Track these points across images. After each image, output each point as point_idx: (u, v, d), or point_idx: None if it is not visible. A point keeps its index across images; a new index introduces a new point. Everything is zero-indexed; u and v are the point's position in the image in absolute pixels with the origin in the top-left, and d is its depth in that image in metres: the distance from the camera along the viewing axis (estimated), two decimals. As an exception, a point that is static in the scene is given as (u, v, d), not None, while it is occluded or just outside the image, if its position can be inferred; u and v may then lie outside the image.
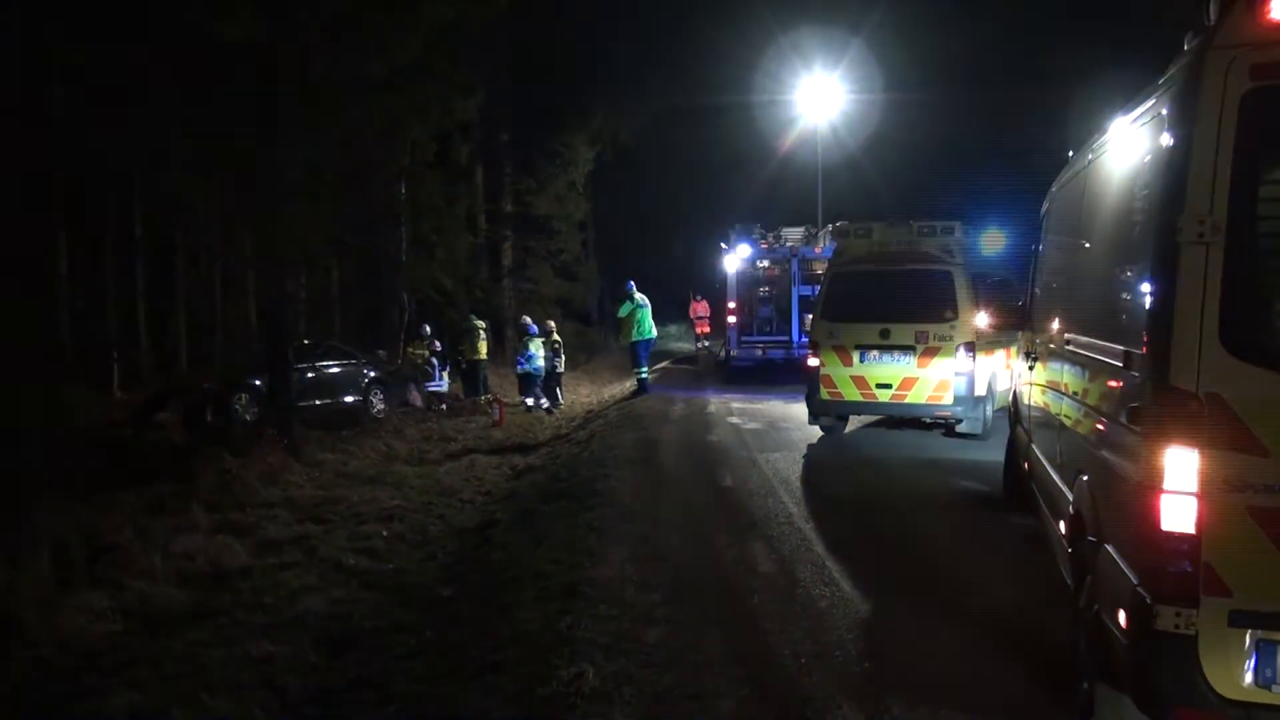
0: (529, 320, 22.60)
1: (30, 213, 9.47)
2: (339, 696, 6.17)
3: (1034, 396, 7.79)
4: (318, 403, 18.29)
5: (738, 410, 17.76)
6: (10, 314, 8.96)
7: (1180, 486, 3.80)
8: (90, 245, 22.16)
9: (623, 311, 21.01)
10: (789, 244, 24.12)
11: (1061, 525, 5.90)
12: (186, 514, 10.92)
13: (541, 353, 21.34)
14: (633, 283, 20.87)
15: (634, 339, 20.77)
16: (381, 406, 20.22)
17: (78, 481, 11.42)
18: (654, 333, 21.38)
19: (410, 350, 23.81)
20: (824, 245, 22.86)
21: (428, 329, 23.53)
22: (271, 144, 14.52)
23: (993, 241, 15.57)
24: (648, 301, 20.76)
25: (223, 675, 6.61)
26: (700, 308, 32.69)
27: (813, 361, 13.67)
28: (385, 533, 10.56)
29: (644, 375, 20.89)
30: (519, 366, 21.82)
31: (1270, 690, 3.75)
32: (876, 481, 11.26)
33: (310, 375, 18.51)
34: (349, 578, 9.05)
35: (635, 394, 20.52)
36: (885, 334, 13.15)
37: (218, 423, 16.56)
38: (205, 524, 10.65)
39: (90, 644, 7.46)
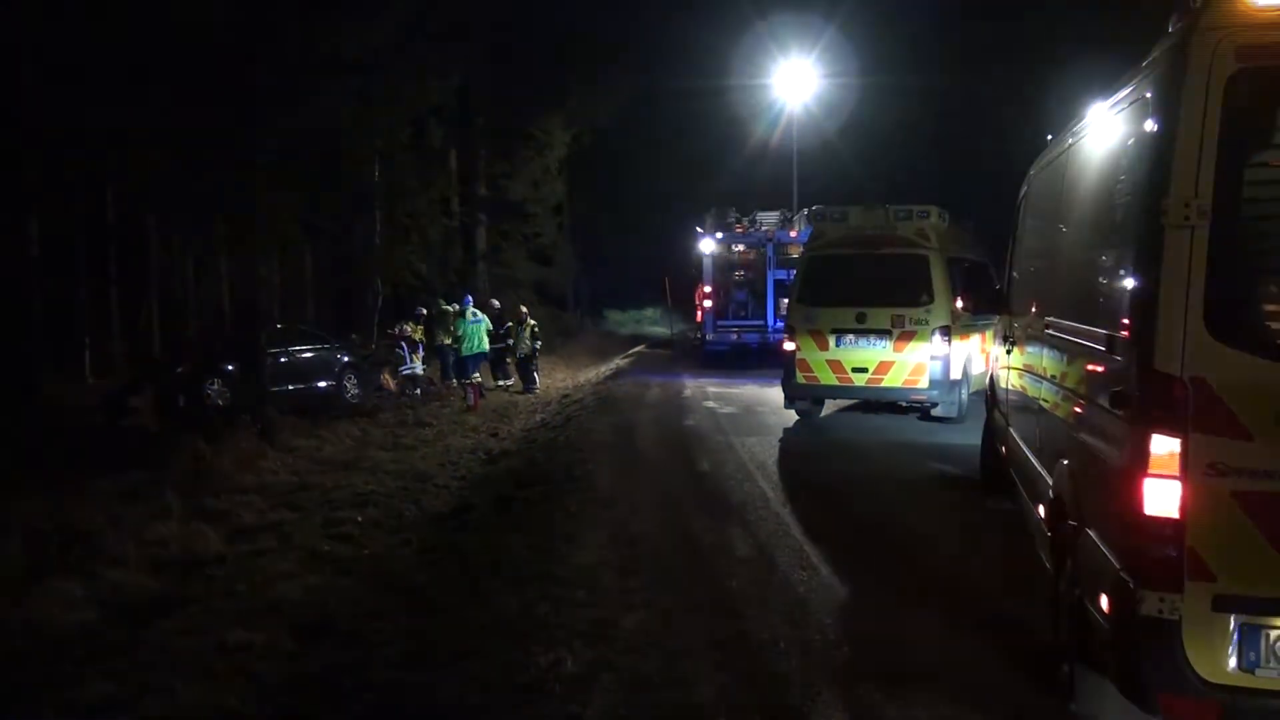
0: (496, 304, 23.10)
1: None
2: (315, 684, 6.10)
3: (1012, 380, 7.79)
4: (291, 388, 18.15)
5: (713, 394, 17.75)
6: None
7: (1164, 471, 3.79)
8: (61, 229, 21.86)
9: (462, 327, 20.27)
10: (764, 228, 24.16)
11: (1041, 509, 5.90)
12: (159, 501, 10.78)
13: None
14: (470, 298, 20.93)
15: (474, 351, 20.30)
16: (356, 391, 20.13)
17: (50, 468, 11.30)
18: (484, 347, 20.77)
19: (392, 334, 23.56)
20: (799, 229, 22.90)
21: (423, 311, 22.99)
22: (244, 126, 14.35)
23: None
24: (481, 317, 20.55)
25: (197, 663, 6.53)
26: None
27: (788, 345, 13.66)
28: (360, 519, 10.47)
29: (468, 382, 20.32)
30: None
31: (1254, 674, 3.75)
32: (853, 465, 11.27)
33: (284, 360, 18.39)
34: (324, 564, 8.97)
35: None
36: (861, 318, 13.15)
37: (191, 409, 16.42)
38: (178, 511, 10.52)
39: (62, 632, 7.36)
